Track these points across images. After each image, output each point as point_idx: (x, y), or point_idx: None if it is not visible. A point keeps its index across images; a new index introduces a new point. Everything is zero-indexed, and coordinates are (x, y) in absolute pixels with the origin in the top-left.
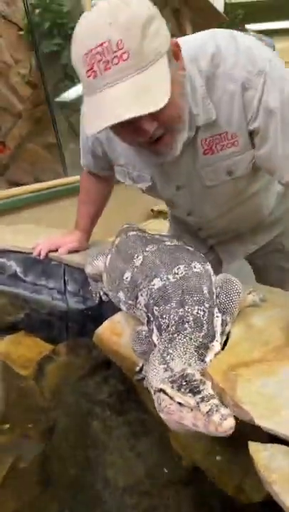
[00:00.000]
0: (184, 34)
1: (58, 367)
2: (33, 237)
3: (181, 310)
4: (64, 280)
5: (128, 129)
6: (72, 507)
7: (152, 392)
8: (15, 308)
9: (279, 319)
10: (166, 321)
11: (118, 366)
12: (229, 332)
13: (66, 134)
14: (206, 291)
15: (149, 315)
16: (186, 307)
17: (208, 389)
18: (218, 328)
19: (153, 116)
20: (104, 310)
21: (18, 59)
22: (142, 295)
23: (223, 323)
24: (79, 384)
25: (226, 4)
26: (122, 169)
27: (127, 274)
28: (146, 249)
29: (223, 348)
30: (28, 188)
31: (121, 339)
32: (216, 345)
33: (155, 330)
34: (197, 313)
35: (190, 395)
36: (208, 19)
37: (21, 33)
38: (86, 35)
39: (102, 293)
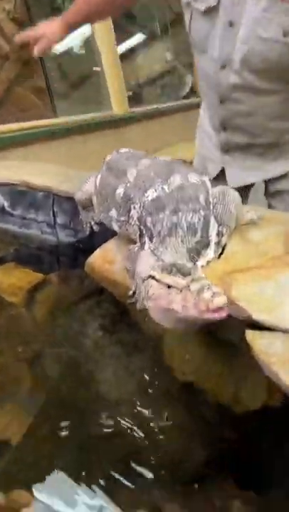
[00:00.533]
0: None
1: (49, 295)
2: (19, 171)
3: (174, 217)
4: (53, 212)
5: None
6: (63, 423)
7: (140, 283)
8: (4, 244)
9: (278, 233)
10: (159, 228)
11: (111, 292)
12: (225, 245)
13: (57, 76)
14: (202, 200)
15: (142, 227)
16: (180, 213)
17: (199, 273)
18: (213, 238)
19: None
20: (95, 242)
21: None
22: (134, 208)
23: (219, 234)
24: (71, 309)
25: None
26: None
27: (120, 190)
28: (141, 162)
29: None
30: (18, 125)
31: (113, 266)
32: (210, 253)
33: (147, 240)
34: (191, 219)
35: (180, 277)
36: None
37: None
38: None
39: (92, 223)
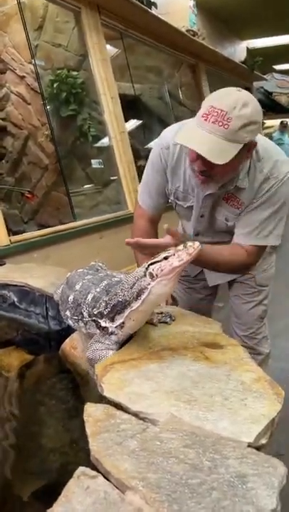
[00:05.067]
0: (199, 85)
1: (34, 371)
2: (25, 274)
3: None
4: (46, 307)
5: (194, 155)
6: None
7: (148, 278)
8: (12, 329)
9: (171, 333)
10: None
11: (71, 370)
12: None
13: (84, 182)
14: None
15: (93, 318)
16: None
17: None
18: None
19: (210, 164)
20: (72, 329)
21: (44, 121)
22: (84, 310)
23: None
24: (43, 383)
25: (248, 50)
26: (173, 190)
27: (71, 297)
28: (85, 278)
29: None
30: (41, 232)
31: (76, 351)
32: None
33: (103, 321)
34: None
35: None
36: (225, 70)
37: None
38: (220, 99)
39: None
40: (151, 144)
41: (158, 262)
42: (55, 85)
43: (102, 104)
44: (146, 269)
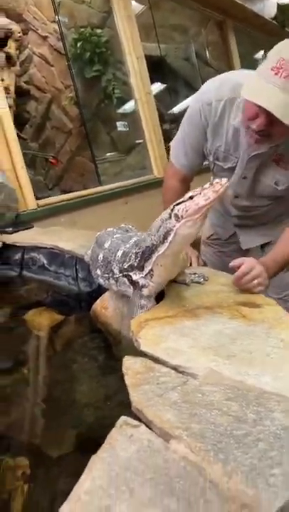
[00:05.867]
0: (227, 44)
1: (65, 331)
2: (55, 237)
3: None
4: (76, 269)
5: (254, 111)
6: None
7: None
8: (42, 291)
9: (205, 293)
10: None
11: (102, 330)
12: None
13: (108, 146)
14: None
15: (125, 273)
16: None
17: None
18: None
19: (271, 122)
20: (102, 291)
21: (67, 84)
22: (114, 267)
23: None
24: (75, 341)
25: (278, 6)
26: (213, 150)
27: (100, 255)
28: (114, 236)
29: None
30: (67, 196)
31: (107, 311)
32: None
33: (134, 274)
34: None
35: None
36: (253, 27)
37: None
38: None
39: None
40: (176, 108)
41: (183, 202)
42: (78, 44)
43: (128, 64)
44: (172, 210)
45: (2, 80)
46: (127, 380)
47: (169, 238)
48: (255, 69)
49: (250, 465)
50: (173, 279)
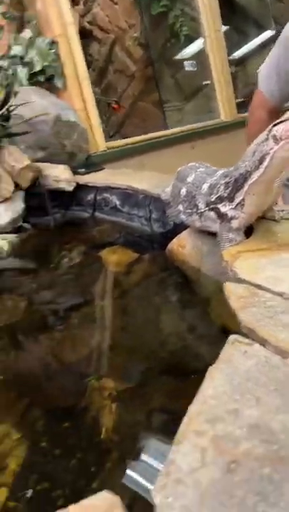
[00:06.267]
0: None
1: (141, 268)
2: (128, 178)
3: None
4: (149, 209)
5: None
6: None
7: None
8: (115, 232)
9: None
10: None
11: (180, 268)
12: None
13: (173, 89)
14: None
15: (212, 206)
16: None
17: None
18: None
19: None
20: (177, 232)
21: (132, 23)
22: (199, 202)
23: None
24: (152, 278)
25: None
26: None
27: (183, 190)
28: (197, 170)
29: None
30: (135, 139)
31: (184, 250)
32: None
33: (222, 205)
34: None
35: None
36: None
37: None
38: None
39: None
40: (244, 49)
41: (283, 121)
42: None
43: None
44: (270, 131)
45: None
46: (232, 304)
47: (265, 163)
48: None
49: None
50: (261, 216)
